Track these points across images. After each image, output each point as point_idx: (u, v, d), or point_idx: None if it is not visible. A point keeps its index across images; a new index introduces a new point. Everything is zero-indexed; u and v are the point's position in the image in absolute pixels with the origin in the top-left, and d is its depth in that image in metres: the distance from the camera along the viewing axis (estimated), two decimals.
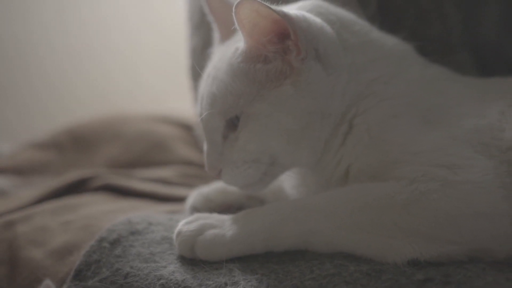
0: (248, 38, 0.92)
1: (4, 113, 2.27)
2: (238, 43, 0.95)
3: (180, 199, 1.28)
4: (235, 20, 0.89)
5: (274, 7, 0.89)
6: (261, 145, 0.93)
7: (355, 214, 0.87)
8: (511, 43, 1.22)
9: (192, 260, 0.91)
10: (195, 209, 1.11)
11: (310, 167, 0.99)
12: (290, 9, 0.95)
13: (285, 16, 0.88)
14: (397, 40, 1.05)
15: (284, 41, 0.92)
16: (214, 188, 1.16)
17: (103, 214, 1.16)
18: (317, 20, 0.94)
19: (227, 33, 1.03)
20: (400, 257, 0.84)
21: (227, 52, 0.97)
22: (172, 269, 0.89)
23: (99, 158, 1.70)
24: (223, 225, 0.92)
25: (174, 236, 0.94)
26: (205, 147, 0.99)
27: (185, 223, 0.93)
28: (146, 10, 2.30)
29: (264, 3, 0.88)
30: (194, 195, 1.16)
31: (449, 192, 0.85)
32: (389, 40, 1.04)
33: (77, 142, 1.76)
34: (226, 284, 0.85)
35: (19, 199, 1.34)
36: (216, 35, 1.08)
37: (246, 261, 0.88)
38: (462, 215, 0.84)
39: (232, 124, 0.94)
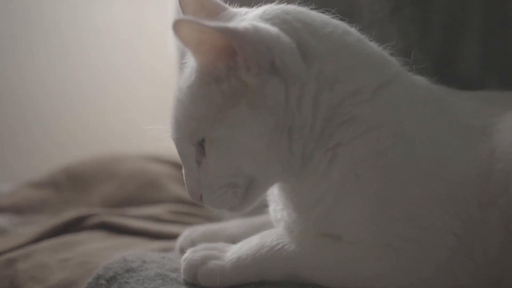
0: (196, 55, 0.85)
1: (3, 154, 2.28)
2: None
3: (172, 236, 1.30)
4: (178, 39, 0.82)
5: (215, 23, 0.82)
6: (230, 169, 0.88)
7: (327, 269, 0.92)
8: (493, 81, 1.22)
9: None
10: (183, 251, 1.08)
11: (291, 182, 0.94)
12: (246, 19, 0.89)
13: (228, 32, 0.81)
14: (379, 47, 0.95)
15: (234, 57, 0.84)
16: (201, 232, 1.17)
17: (99, 251, 1.18)
18: (272, 30, 0.86)
19: None
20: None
21: (187, 71, 0.90)
22: None
23: (95, 196, 1.70)
24: (224, 256, 0.96)
25: (181, 261, 0.98)
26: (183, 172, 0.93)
27: (193, 251, 0.98)
28: (136, 55, 2.34)
29: (203, 20, 0.81)
30: (183, 237, 1.17)
31: (401, 275, 0.89)
32: (369, 46, 0.94)
33: (73, 180, 1.76)
34: None
35: (19, 237, 1.35)
36: None
37: None
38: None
39: (202, 148, 0.88)
